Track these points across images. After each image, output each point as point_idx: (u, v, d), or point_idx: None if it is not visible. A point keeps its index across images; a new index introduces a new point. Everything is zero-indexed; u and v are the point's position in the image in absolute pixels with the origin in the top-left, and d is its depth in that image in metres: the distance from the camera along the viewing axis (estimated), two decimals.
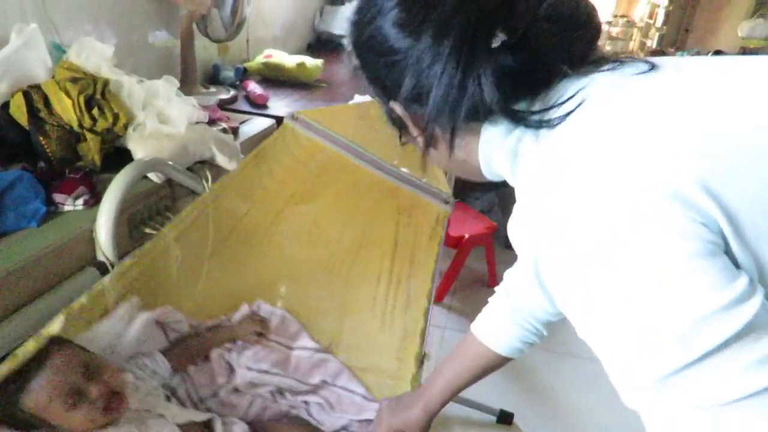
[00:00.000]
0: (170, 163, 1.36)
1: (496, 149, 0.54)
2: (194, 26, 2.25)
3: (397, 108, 0.58)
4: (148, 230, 1.34)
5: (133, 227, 1.31)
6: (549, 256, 0.45)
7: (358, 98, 2.40)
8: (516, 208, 0.51)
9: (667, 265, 0.38)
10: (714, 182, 0.39)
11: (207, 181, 1.50)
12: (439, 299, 2.00)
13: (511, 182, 0.57)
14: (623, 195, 0.40)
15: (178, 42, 2.24)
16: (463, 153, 0.57)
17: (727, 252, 0.40)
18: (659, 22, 8.16)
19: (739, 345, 0.37)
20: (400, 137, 0.64)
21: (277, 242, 1.43)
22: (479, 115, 0.51)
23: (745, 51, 5.33)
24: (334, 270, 1.45)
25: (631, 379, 0.42)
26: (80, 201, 1.23)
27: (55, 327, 0.89)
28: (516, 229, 0.50)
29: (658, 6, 8.29)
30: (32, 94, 1.26)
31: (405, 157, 1.50)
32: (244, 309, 1.33)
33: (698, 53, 6.07)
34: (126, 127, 1.39)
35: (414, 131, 0.59)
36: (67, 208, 1.22)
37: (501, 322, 0.85)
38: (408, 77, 0.53)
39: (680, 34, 7.74)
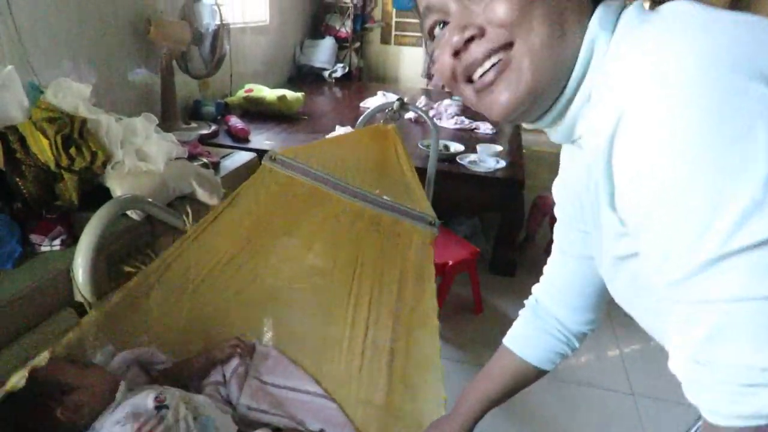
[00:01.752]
0: (149, 200, 1.35)
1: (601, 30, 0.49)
2: (174, 63, 2.28)
3: None
4: (127, 269, 1.32)
5: (112, 266, 1.30)
6: (635, 124, 0.42)
7: (339, 129, 2.43)
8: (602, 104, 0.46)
9: (748, 141, 0.37)
10: None
11: (188, 216, 1.49)
12: None
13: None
14: (721, 71, 0.38)
15: (158, 78, 2.25)
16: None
17: None
18: None
19: None
20: None
21: (260, 278, 1.42)
22: None
23: None
24: (321, 303, 1.44)
25: (684, 260, 0.39)
26: (57, 241, 1.21)
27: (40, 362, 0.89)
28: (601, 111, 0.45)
29: None
30: (8, 135, 1.25)
31: (387, 186, 1.50)
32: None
33: None
34: (104, 165, 1.39)
35: None
36: (43, 248, 1.20)
37: (531, 333, 0.85)
38: None
39: None
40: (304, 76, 3.94)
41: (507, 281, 2.48)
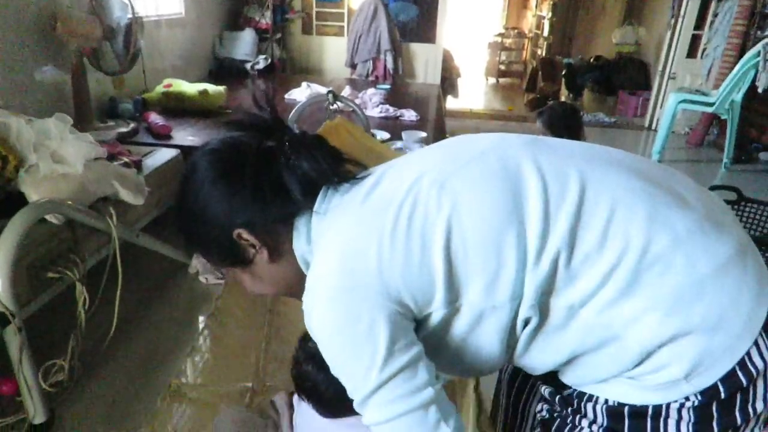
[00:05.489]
0: (69, 203, 1.32)
1: (304, 251, 0.69)
2: (85, 60, 2.18)
3: (244, 233, 0.68)
4: (51, 275, 1.29)
5: (34, 275, 1.26)
6: (307, 315, 0.63)
7: None
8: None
9: (354, 339, 0.60)
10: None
11: (112, 218, 1.47)
12: None
13: None
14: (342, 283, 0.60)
15: (68, 77, 2.15)
16: (289, 264, 0.71)
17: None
18: (546, 33, 8.79)
19: (392, 385, 0.59)
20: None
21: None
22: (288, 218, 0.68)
23: (620, 56, 5.87)
24: None
25: (355, 402, 0.62)
26: None
27: None
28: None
29: (544, 18, 8.94)
30: None
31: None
32: None
33: (581, 59, 6.60)
34: (17, 170, 1.33)
35: (257, 246, 0.70)
36: None
37: None
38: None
39: (565, 43, 8.36)
40: (225, 70, 3.86)
41: None
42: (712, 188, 1.91)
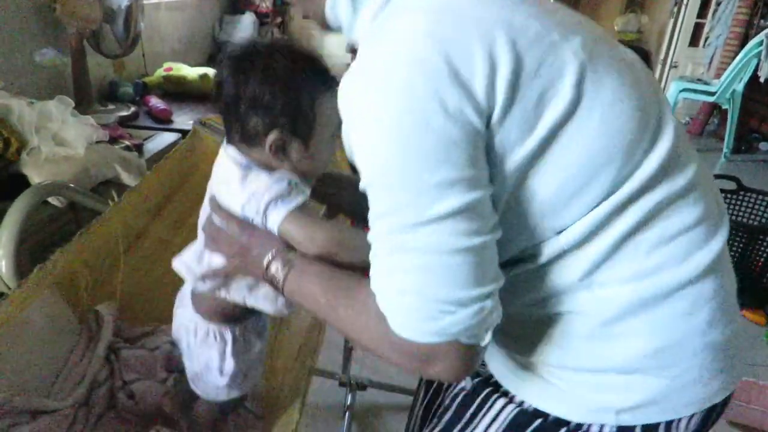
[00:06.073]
0: (71, 185, 1.32)
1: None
2: (85, 43, 2.17)
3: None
4: (54, 258, 1.29)
5: (36, 257, 1.26)
6: (352, 106, 0.52)
7: None
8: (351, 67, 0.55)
9: (427, 141, 0.47)
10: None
11: (113, 201, 1.47)
12: None
13: (346, 33, 0.65)
14: (411, 75, 0.47)
15: (68, 60, 2.14)
16: None
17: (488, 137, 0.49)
18: None
19: (455, 219, 0.47)
20: None
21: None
22: None
23: (622, 43, 5.82)
24: None
25: (388, 223, 0.50)
26: None
27: None
28: (342, 84, 0.55)
29: None
30: None
31: None
32: None
33: None
34: (19, 152, 1.33)
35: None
36: None
37: None
38: None
39: None
40: None
41: None
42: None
